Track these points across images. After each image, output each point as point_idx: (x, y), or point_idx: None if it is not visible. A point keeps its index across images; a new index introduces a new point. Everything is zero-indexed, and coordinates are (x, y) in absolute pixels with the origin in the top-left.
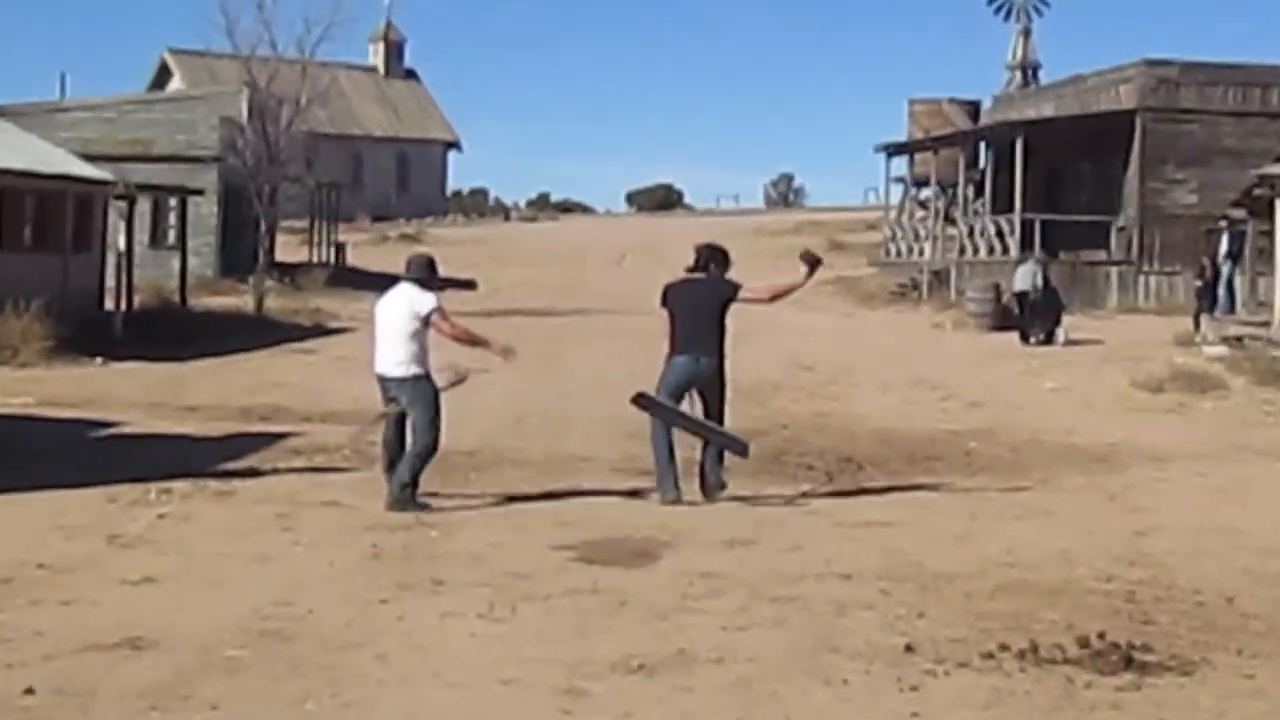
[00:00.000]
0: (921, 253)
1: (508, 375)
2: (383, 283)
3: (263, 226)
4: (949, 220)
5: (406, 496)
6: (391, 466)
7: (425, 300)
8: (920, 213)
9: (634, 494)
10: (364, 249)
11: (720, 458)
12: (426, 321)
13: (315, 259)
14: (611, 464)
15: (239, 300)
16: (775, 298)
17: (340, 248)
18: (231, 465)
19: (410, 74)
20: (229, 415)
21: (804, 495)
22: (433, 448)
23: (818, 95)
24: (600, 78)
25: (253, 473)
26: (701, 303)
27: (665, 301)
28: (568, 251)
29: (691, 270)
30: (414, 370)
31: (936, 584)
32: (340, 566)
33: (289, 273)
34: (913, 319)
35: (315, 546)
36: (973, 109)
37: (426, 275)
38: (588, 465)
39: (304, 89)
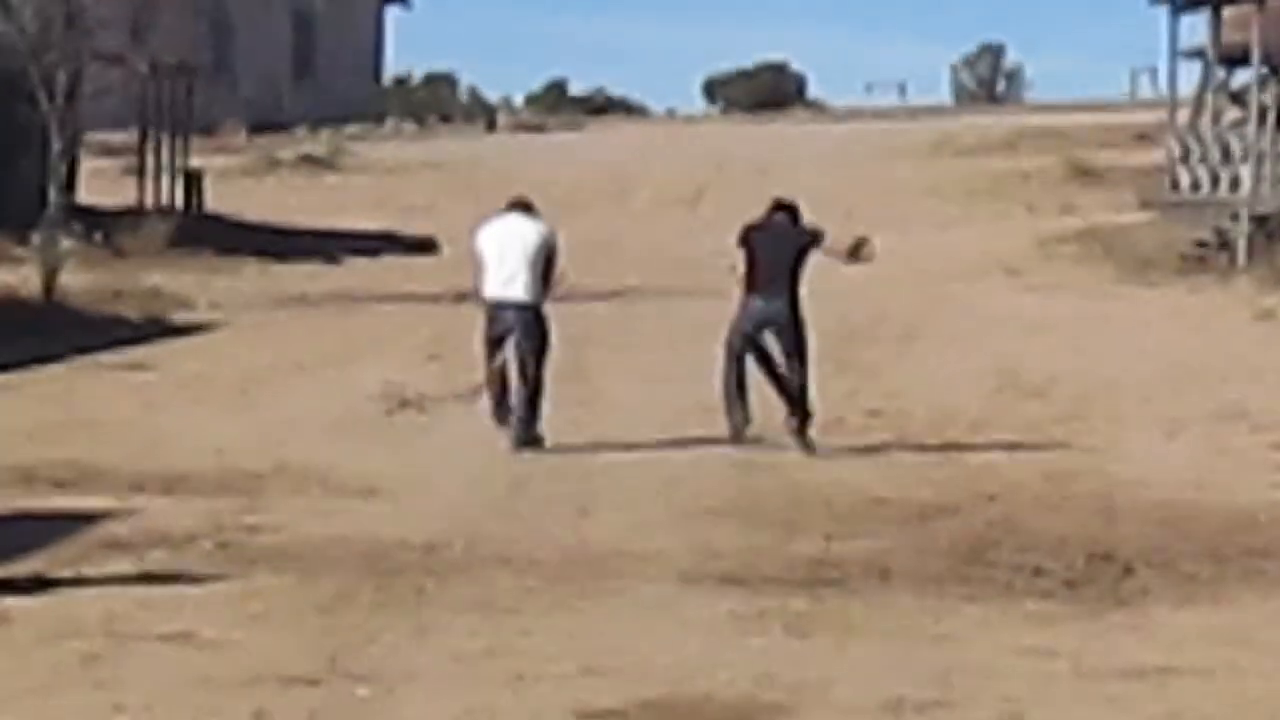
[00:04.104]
0: (1237, 184)
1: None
2: (278, 245)
3: (54, 143)
4: None
5: (533, 433)
6: (500, 405)
7: (550, 229)
8: (1235, 112)
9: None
10: (236, 181)
11: (803, 390)
12: (553, 252)
13: (149, 200)
14: (677, 566)
15: (12, 275)
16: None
17: (194, 180)
18: (4, 569)
19: None
20: None
21: (1024, 619)
22: (541, 381)
23: None
24: None
25: (41, 583)
26: (782, 247)
27: (745, 242)
28: (600, 185)
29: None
30: (539, 298)
31: None
32: None
33: (102, 225)
34: (1221, 302)
35: (150, 716)
36: None
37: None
38: (634, 569)
39: None
